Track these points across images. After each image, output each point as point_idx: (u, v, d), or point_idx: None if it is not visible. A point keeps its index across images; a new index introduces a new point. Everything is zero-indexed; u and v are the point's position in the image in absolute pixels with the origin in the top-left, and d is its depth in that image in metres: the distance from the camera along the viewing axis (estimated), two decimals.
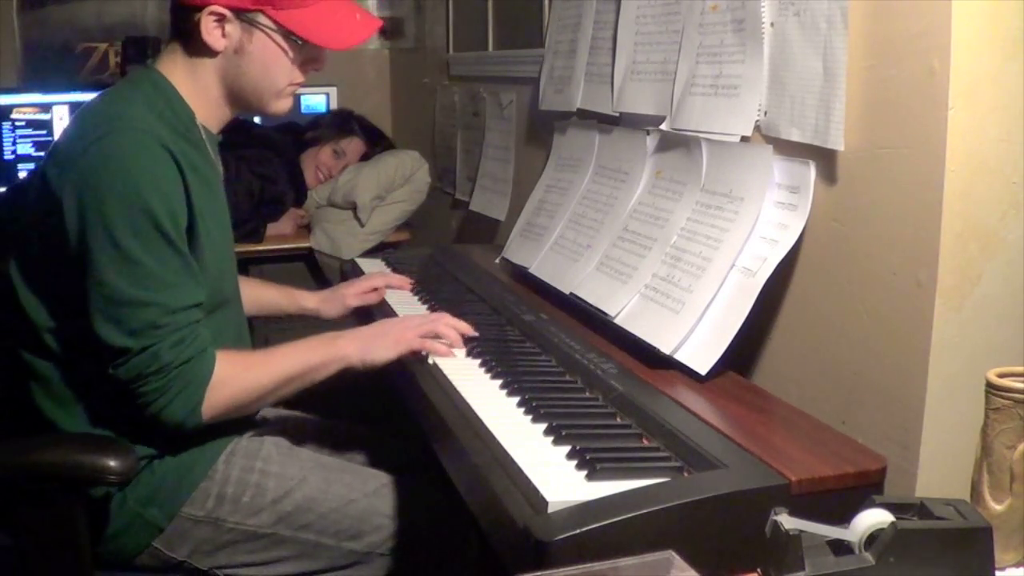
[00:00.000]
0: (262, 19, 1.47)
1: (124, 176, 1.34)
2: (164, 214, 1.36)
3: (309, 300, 1.95)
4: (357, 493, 1.55)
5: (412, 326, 1.59)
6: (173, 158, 1.39)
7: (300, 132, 3.23)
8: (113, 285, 1.34)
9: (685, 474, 1.14)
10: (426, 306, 1.91)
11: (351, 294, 1.95)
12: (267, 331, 2.67)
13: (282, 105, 1.55)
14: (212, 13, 1.44)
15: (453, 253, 2.40)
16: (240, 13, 1.45)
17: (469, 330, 1.61)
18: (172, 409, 1.38)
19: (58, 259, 1.38)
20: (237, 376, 1.44)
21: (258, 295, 1.88)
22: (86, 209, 1.34)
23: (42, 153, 3.24)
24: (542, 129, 2.35)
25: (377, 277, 2.01)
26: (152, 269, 1.35)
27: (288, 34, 1.48)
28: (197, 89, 1.50)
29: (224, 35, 1.46)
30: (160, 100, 1.46)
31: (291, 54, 1.49)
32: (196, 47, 1.48)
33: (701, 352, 1.41)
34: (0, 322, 1.49)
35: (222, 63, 1.49)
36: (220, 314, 1.53)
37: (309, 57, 1.52)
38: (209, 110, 1.53)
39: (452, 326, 1.60)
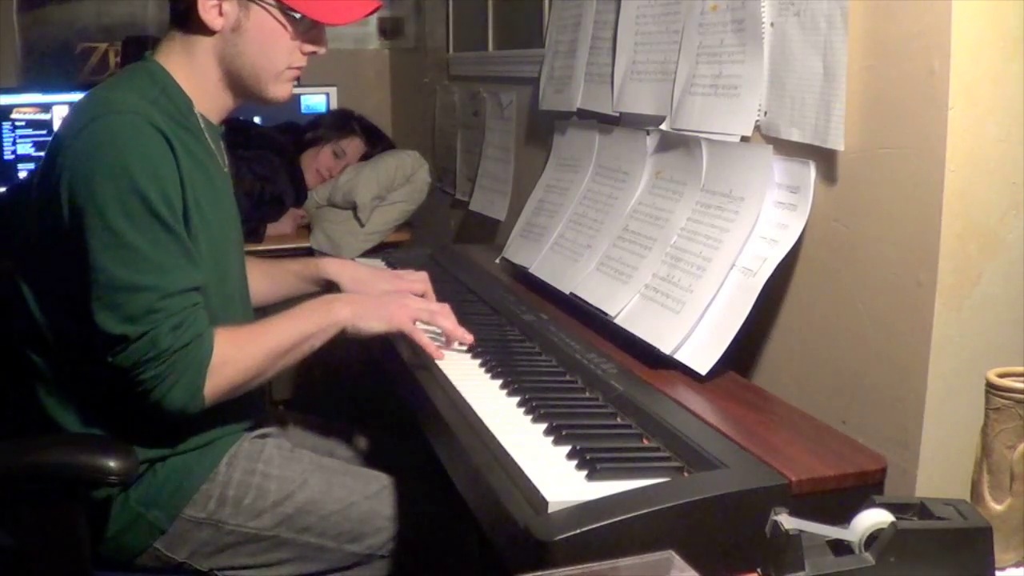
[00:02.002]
0: None
1: (114, 158, 1.33)
2: (157, 196, 1.34)
3: (331, 267, 1.83)
4: (358, 495, 1.55)
5: (411, 308, 1.57)
6: (166, 140, 1.38)
7: (300, 132, 3.23)
8: (108, 270, 1.33)
9: (685, 474, 1.14)
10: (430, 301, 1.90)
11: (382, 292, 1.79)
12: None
13: (282, 91, 1.53)
14: None
15: (453, 253, 2.40)
16: None
17: (466, 338, 1.59)
18: (173, 395, 1.36)
19: (57, 251, 1.38)
20: (236, 355, 1.41)
21: (276, 272, 1.84)
22: (78, 195, 1.33)
23: (42, 153, 3.24)
24: (542, 129, 2.35)
25: (420, 284, 1.80)
26: (147, 253, 1.34)
27: (285, 9, 1.47)
28: (195, 75, 1.49)
29: (221, 13, 1.45)
30: (155, 89, 1.45)
31: (289, 30, 1.48)
32: (194, 28, 1.47)
33: (701, 352, 1.41)
34: (4, 322, 1.49)
35: (220, 44, 1.48)
36: (224, 311, 1.52)
37: (308, 38, 1.51)
38: (208, 97, 1.52)
39: (450, 327, 1.58)
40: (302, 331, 1.48)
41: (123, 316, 1.34)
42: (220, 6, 1.45)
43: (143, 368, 1.34)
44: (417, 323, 1.56)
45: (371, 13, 1.58)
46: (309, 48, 1.52)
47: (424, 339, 1.54)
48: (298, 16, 1.48)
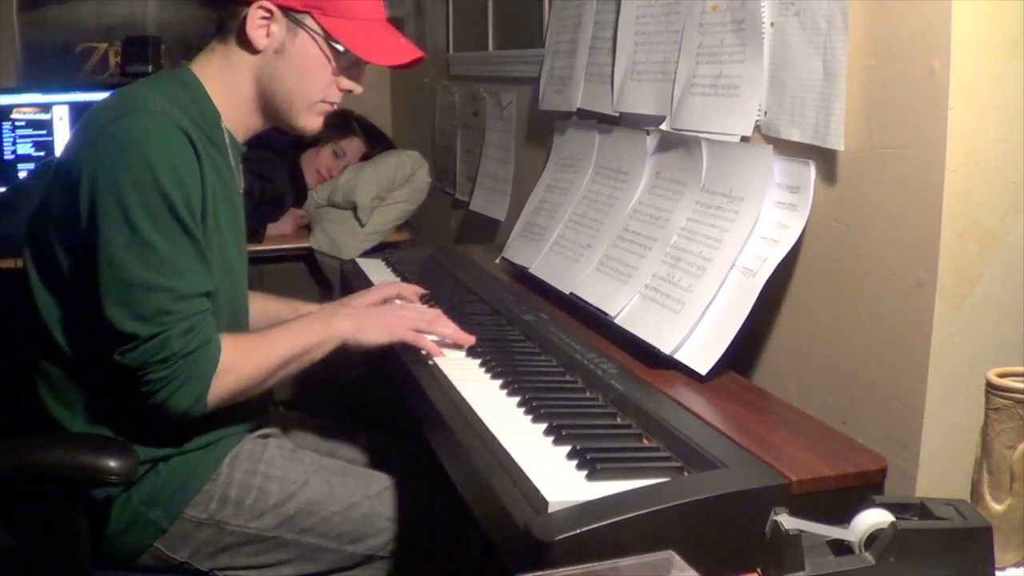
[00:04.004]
0: (309, 21, 1.46)
1: (139, 158, 1.33)
2: (179, 198, 1.35)
3: (311, 310, 1.84)
4: (359, 496, 1.55)
5: (409, 317, 1.59)
6: (191, 143, 1.38)
7: None
8: (125, 267, 1.33)
9: (685, 474, 1.14)
10: (426, 307, 1.91)
11: (360, 306, 1.85)
12: None
13: (312, 122, 1.54)
14: (261, 7, 1.44)
15: (453, 253, 2.40)
16: (288, 12, 1.45)
17: (467, 340, 1.59)
18: (177, 399, 1.37)
19: (71, 245, 1.38)
20: (241, 363, 1.43)
21: (263, 307, 1.83)
22: (100, 190, 1.33)
23: (42, 153, 3.24)
24: (542, 129, 2.35)
25: (388, 287, 1.89)
26: (165, 253, 1.34)
27: (331, 41, 1.47)
28: (229, 89, 1.49)
29: (268, 34, 1.46)
30: (186, 96, 1.45)
31: (332, 64, 1.49)
32: (237, 43, 1.47)
33: (701, 352, 1.41)
34: (11, 321, 1.49)
35: (260, 63, 1.48)
36: (230, 323, 1.51)
37: (348, 74, 1.52)
38: (237, 114, 1.52)
39: (450, 332, 1.59)
40: (304, 343, 1.50)
41: (135, 314, 1.34)
42: (269, 27, 1.46)
43: (150, 370, 1.35)
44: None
45: (414, 63, 1.56)
46: (347, 84, 1.53)
47: (425, 342, 1.56)
48: (342, 50, 1.48)
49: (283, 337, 1.50)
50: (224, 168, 1.50)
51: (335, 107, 1.55)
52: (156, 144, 1.34)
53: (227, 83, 1.49)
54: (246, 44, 1.47)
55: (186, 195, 1.36)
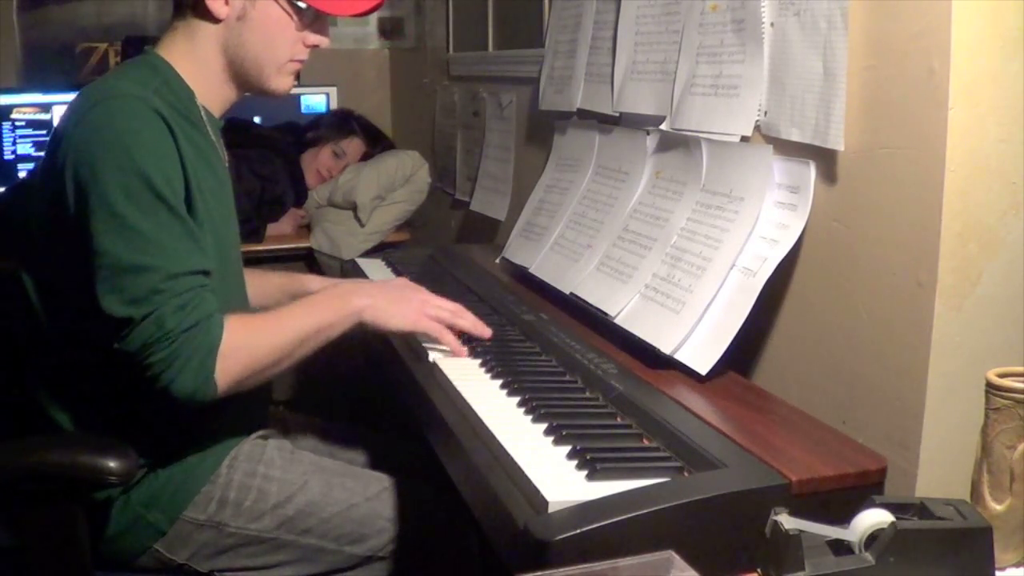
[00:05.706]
0: None
1: (117, 142, 1.33)
2: (160, 178, 1.34)
3: (315, 284, 1.83)
4: (358, 497, 1.55)
5: (433, 305, 1.56)
6: (167, 125, 1.37)
7: (300, 132, 3.23)
8: (112, 253, 1.32)
9: (685, 474, 1.14)
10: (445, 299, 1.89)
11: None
12: None
13: (283, 83, 1.53)
14: None
15: (453, 253, 2.40)
16: None
17: (485, 333, 1.59)
18: (183, 380, 1.33)
19: (64, 241, 1.37)
20: (249, 342, 1.39)
21: (260, 282, 1.82)
22: (82, 179, 1.33)
23: (42, 153, 3.24)
24: (542, 129, 2.35)
25: (403, 280, 1.87)
26: (149, 234, 1.33)
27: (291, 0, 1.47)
28: (197, 65, 1.49)
29: (227, 2, 1.45)
30: (157, 79, 1.45)
31: (294, 21, 1.48)
32: (198, 15, 1.47)
33: (701, 352, 1.41)
34: (8, 324, 1.49)
35: (224, 32, 1.47)
36: (227, 303, 1.50)
37: (312, 30, 1.51)
38: (210, 89, 1.51)
39: (467, 326, 1.58)
40: (319, 321, 1.46)
41: (128, 298, 1.32)
42: None
43: (150, 351, 1.32)
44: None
45: (375, 8, 1.57)
46: (312, 40, 1.52)
47: (449, 337, 1.54)
48: (303, 7, 1.48)
49: (297, 314, 1.46)
50: (205, 145, 1.50)
51: (304, 64, 1.54)
52: (131, 127, 1.34)
53: (195, 59, 1.49)
54: (207, 16, 1.46)
55: (166, 174, 1.35)
